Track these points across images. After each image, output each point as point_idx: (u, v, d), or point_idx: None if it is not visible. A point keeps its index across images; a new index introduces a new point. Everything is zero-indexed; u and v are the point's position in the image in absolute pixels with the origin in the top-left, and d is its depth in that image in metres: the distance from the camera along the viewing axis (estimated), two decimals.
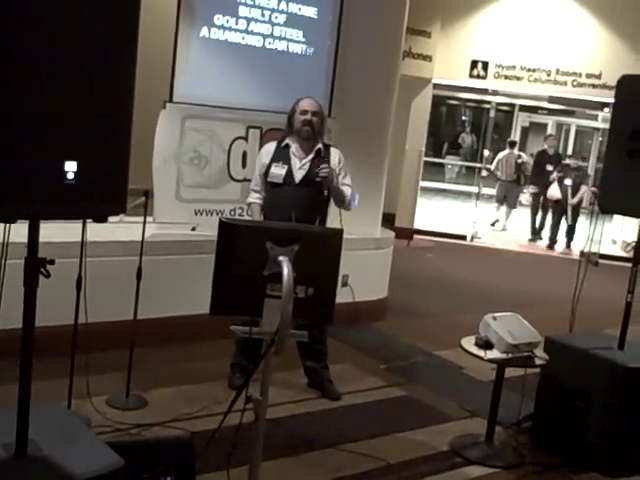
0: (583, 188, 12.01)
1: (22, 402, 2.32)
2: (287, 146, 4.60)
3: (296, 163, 4.54)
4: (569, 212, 11.95)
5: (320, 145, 4.59)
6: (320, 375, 4.81)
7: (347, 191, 4.61)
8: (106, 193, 2.29)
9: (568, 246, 12.07)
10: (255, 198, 4.67)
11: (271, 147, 4.67)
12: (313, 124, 4.51)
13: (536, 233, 12.93)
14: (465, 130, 23.67)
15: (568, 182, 11.81)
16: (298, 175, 4.52)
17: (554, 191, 12.17)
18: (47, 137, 2.14)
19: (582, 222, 11.85)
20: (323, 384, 4.79)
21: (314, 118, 4.52)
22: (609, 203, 4.22)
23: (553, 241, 12.26)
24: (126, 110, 2.31)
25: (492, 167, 13.53)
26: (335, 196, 4.58)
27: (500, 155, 13.53)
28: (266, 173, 4.57)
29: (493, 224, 13.78)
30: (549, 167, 12.49)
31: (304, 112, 4.52)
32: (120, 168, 2.32)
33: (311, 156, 4.55)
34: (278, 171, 4.52)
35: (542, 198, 12.70)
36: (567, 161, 12.82)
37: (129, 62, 2.29)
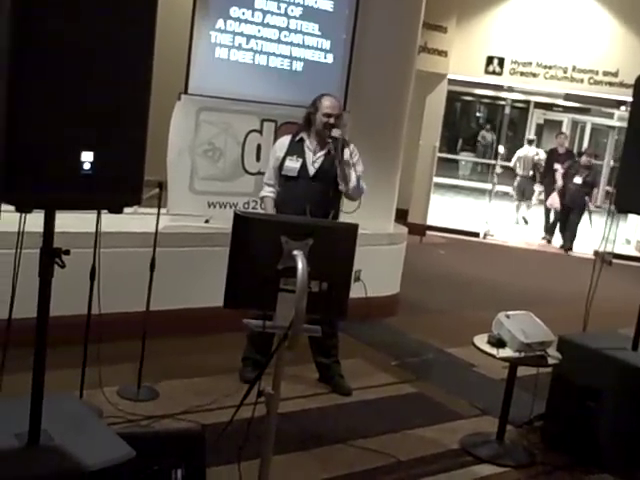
0: (594, 191, 11.84)
1: (35, 393, 2.33)
2: (301, 140, 4.60)
3: (310, 157, 4.54)
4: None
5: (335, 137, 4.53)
6: (331, 370, 4.80)
7: (352, 175, 4.50)
8: (122, 184, 2.29)
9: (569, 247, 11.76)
10: (269, 192, 4.67)
11: (285, 141, 4.67)
12: (332, 127, 4.49)
13: (548, 231, 12.65)
14: (485, 127, 23.54)
15: (578, 180, 11.53)
16: (312, 169, 4.53)
17: (554, 200, 11.98)
18: (64, 127, 2.13)
19: (597, 221, 11.74)
20: (334, 379, 4.78)
21: (337, 121, 4.51)
22: (626, 202, 4.19)
23: (568, 244, 11.83)
24: (143, 102, 2.31)
25: (511, 163, 13.74)
26: (341, 173, 4.48)
27: (519, 152, 13.70)
28: (280, 167, 4.58)
29: (518, 222, 13.85)
30: (556, 166, 12.25)
31: (328, 115, 4.49)
32: (136, 159, 2.32)
33: (325, 150, 4.55)
34: (292, 164, 4.53)
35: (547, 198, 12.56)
36: (578, 159, 12.52)
37: (147, 54, 2.29)
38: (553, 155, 12.75)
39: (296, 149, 4.58)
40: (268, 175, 4.73)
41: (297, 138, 4.62)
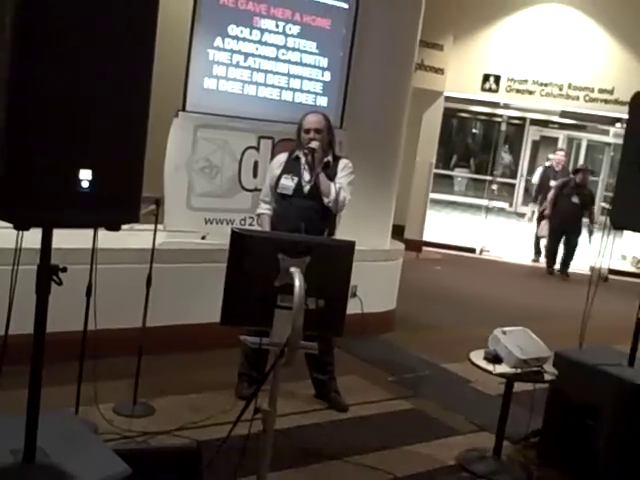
0: (592, 208, 11.29)
1: (31, 409, 2.32)
2: (298, 158, 4.63)
3: (305, 175, 4.56)
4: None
5: (329, 157, 4.62)
6: (327, 386, 4.80)
7: (332, 187, 4.53)
8: (120, 202, 2.29)
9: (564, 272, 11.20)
10: (265, 209, 4.72)
11: (282, 158, 4.71)
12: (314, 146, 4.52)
13: (537, 253, 12.11)
14: (504, 149, 23.10)
15: (575, 200, 10.94)
16: (307, 187, 4.55)
17: (543, 230, 11.57)
18: (62, 145, 2.14)
19: (593, 237, 11.75)
20: (330, 395, 4.78)
21: (317, 136, 4.54)
22: (621, 218, 4.21)
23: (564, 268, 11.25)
24: (141, 120, 2.32)
25: (533, 179, 13.47)
26: (321, 185, 4.52)
27: (540, 168, 13.34)
28: (276, 184, 4.60)
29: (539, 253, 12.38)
30: (552, 183, 11.64)
31: (307, 130, 4.56)
32: (134, 177, 2.32)
33: (320, 167, 4.57)
34: (288, 183, 4.55)
35: (538, 216, 11.97)
36: (573, 176, 11.43)
37: (145, 72, 2.30)
38: (549, 172, 12.30)
39: (292, 167, 4.61)
40: (264, 192, 4.78)
41: (293, 156, 4.65)
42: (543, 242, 11.90)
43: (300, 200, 4.53)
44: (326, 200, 4.54)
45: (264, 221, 4.69)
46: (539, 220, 11.89)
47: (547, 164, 13.10)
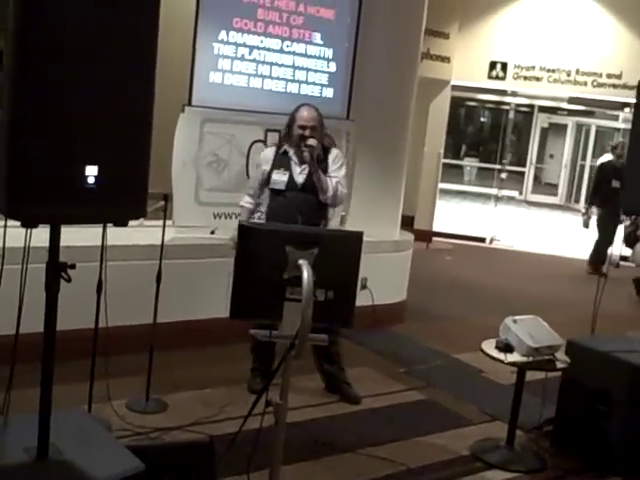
0: None
1: (44, 406, 2.33)
2: (286, 152, 4.62)
3: (296, 169, 4.56)
4: None
5: (320, 150, 4.57)
6: (337, 378, 4.79)
7: (329, 181, 4.54)
8: (127, 197, 2.30)
9: None
10: (246, 202, 4.74)
11: (270, 153, 4.69)
12: (307, 139, 4.48)
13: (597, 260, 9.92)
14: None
15: None
16: (299, 180, 4.54)
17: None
18: (68, 142, 2.15)
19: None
20: (341, 387, 4.77)
21: (314, 133, 4.51)
22: (632, 203, 4.18)
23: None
24: (146, 115, 2.32)
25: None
26: (317, 182, 4.52)
27: (602, 160, 11.05)
28: (267, 180, 4.60)
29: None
30: (615, 183, 9.28)
31: (302, 127, 4.52)
32: (140, 172, 2.33)
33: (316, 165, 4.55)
34: (280, 178, 4.54)
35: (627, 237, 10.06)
36: None
37: (149, 67, 2.30)
38: (608, 170, 10.01)
39: (282, 162, 4.59)
40: (251, 186, 4.79)
41: (282, 151, 4.63)
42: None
43: (294, 194, 4.52)
44: (323, 197, 4.55)
45: (243, 214, 4.73)
46: (630, 241, 10.11)
47: (607, 159, 10.50)
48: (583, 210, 10.63)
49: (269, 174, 4.59)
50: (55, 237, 2.29)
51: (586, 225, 10.17)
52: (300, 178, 4.55)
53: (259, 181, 4.68)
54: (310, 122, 4.53)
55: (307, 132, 4.50)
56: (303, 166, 4.55)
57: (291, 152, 4.59)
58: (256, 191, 4.71)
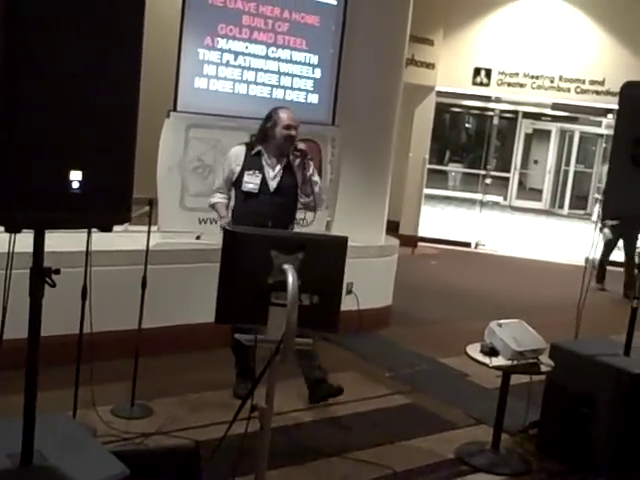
0: None
1: (28, 412, 2.32)
2: (259, 154, 4.55)
3: (269, 172, 4.52)
4: None
5: (302, 150, 4.54)
6: (313, 376, 4.67)
7: (315, 188, 4.56)
8: (111, 202, 2.30)
9: None
10: (220, 197, 4.64)
11: (240, 153, 4.59)
12: (294, 140, 4.50)
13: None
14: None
15: None
16: (273, 184, 4.50)
17: None
18: (52, 147, 2.14)
19: (586, 228, 11.77)
20: (315, 384, 4.66)
21: (296, 133, 4.52)
22: (613, 208, 4.22)
23: None
24: (131, 119, 2.32)
25: None
26: (308, 186, 4.51)
27: None
28: (238, 181, 4.53)
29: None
30: None
31: (288, 127, 4.48)
32: (125, 177, 2.32)
33: (283, 164, 4.54)
34: (252, 180, 4.47)
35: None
36: None
37: (134, 72, 2.30)
38: None
39: (254, 163, 4.52)
40: (219, 184, 4.67)
41: (254, 151, 4.55)
42: None
43: (266, 197, 4.46)
44: (306, 200, 4.55)
45: (220, 208, 4.62)
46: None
47: None
48: (600, 224, 9.79)
49: (240, 175, 4.52)
50: (39, 242, 2.28)
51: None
52: (274, 182, 4.50)
53: (228, 180, 4.59)
54: (294, 122, 4.51)
55: (293, 132, 4.48)
56: (277, 169, 4.52)
57: (265, 154, 4.53)
58: (225, 190, 4.63)
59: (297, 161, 4.52)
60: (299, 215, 4.90)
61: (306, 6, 5.93)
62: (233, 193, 4.64)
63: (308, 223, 4.64)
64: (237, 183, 4.54)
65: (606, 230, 9.37)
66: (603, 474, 4.02)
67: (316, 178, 4.62)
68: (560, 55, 11.39)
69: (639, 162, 3.94)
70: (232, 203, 4.66)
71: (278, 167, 4.53)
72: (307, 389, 4.74)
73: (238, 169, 4.53)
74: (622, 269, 9.57)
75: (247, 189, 4.48)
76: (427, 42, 11.08)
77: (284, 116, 4.51)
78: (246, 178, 4.48)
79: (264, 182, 4.48)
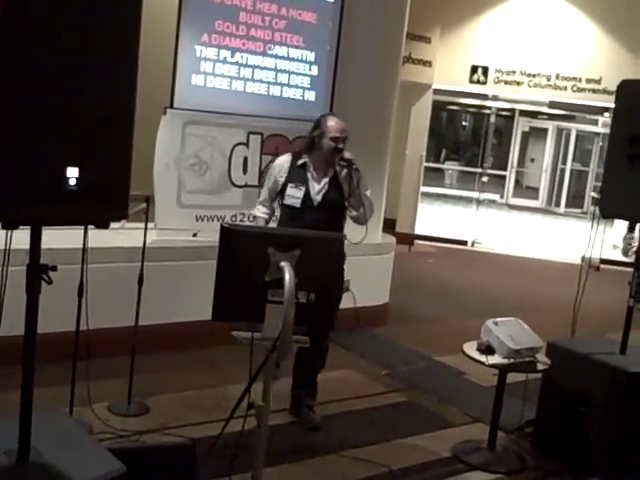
0: None
1: (24, 409, 2.32)
2: (304, 165, 4.29)
3: (314, 185, 4.25)
4: None
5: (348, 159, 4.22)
6: (302, 401, 4.48)
7: (365, 200, 4.27)
8: (108, 199, 2.29)
9: None
10: (262, 213, 4.40)
11: (285, 163, 4.33)
12: (341, 152, 4.21)
13: None
14: None
15: None
16: (317, 198, 4.24)
17: None
18: (49, 143, 2.14)
19: (583, 227, 11.80)
20: (301, 412, 4.46)
21: (344, 145, 4.23)
22: (610, 207, 4.22)
23: None
24: (128, 116, 2.31)
25: None
26: (356, 199, 4.23)
27: None
28: (281, 193, 4.29)
29: None
30: None
31: (336, 139, 4.19)
32: (122, 174, 2.32)
33: (329, 177, 4.27)
34: (295, 193, 4.22)
35: None
36: None
37: (131, 68, 2.30)
38: None
39: (299, 176, 4.26)
40: (264, 196, 4.42)
41: (299, 163, 4.29)
42: None
43: (310, 211, 4.19)
44: (354, 214, 4.29)
45: (260, 223, 4.39)
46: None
47: None
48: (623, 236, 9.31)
49: (283, 186, 4.27)
50: (36, 239, 2.28)
51: (625, 253, 9.10)
52: (318, 196, 4.24)
53: (273, 190, 4.34)
54: (343, 133, 4.23)
55: (341, 144, 4.21)
56: (322, 182, 4.25)
57: (310, 166, 4.27)
58: (269, 202, 4.38)
59: (344, 172, 4.23)
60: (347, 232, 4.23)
61: (303, 3, 5.92)
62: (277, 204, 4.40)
63: (359, 241, 4.11)
64: (282, 194, 4.30)
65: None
66: (599, 472, 4.03)
67: (364, 190, 4.30)
68: (557, 53, 11.41)
69: (635, 161, 3.95)
70: (277, 213, 4.42)
71: (324, 180, 4.26)
72: (290, 395, 4.53)
73: (282, 180, 4.29)
74: (621, 268, 9.53)
75: (289, 203, 4.25)
76: (424, 40, 11.09)
77: (330, 125, 4.21)
78: (289, 191, 4.24)
79: (308, 196, 4.23)
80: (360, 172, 4.24)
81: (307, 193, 4.24)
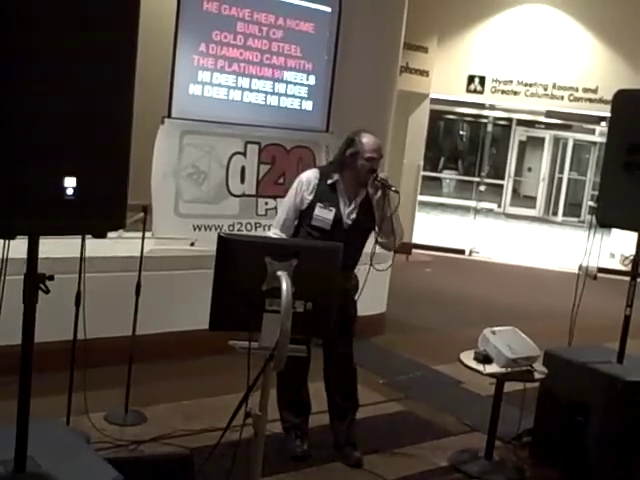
0: None
1: (21, 419, 2.32)
2: (334, 185, 3.99)
3: (345, 208, 3.98)
4: None
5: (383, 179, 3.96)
6: (345, 435, 4.20)
7: (398, 226, 4.02)
8: (105, 209, 2.30)
9: None
10: (278, 236, 4.01)
11: (313, 179, 4.00)
12: (376, 171, 3.94)
13: None
14: None
15: None
16: (348, 221, 3.98)
17: None
18: (47, 153, 2.14)
19: (581, 235, 11.80)
20: (344, 449, 4.17)
21: (378, 165, 3.97)
22: (607, 216, 4.23)
23: None
24: (125, 126, 2.32)
25: None
26: (389, 225, 3.97)
27: None
28: (308, 213, 3.97)
29: None
30: None
31: (371, 159, 3.92)
32: (119, 184, 2.33)
33: (361, 198, 4.02)
34: (325, 215, 3.93)
35: None
36: None
37: (128, 79, 2.31)
38: None
39: (328, 196, 3.96)
40: (283, 216, 4.04)
41: (329, 181, 3.99)
42: None
43: (339, 234, 3.80)
44: (384, 240, 4.02)
45: None
46: None
47: None
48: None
49: (310, 206, 3.96)
50: (33, 249, 2.28)
51: None
52: (349, 219, 3.98)
53: (297, 209, 3.99)
54: (379, 153, 3.98)
55: (376, 165, 3.93)
56: (353, 204, 3.99)
57: (342, 186, 3.99)
58: (291, 221, 4.01)
59: (377, 194, 3.93)
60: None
61: (301, 13, 5.94)
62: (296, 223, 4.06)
63: (385, 268, 3.99)
64: (306, 213, 3.99)
65: None
66: None
67: (398, 214, 3.99)
68: (554, 63, 11.46)
69: (632, 170, 3.96)
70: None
71: (354, 202, 4.00)
72: (333, 436, 4.26)
73: (310, 198, 3.97)
74: (619, 277, 9.58)
75: (317, 224, 3.94)
76: (421, 49, 11.12)
77: (366, 144, 3.94)
78: (317, 212, 3.93)
79: (338, 218, 3.94)
80: (399, 193, 3.98)
81: (337, 215, 3.95)
